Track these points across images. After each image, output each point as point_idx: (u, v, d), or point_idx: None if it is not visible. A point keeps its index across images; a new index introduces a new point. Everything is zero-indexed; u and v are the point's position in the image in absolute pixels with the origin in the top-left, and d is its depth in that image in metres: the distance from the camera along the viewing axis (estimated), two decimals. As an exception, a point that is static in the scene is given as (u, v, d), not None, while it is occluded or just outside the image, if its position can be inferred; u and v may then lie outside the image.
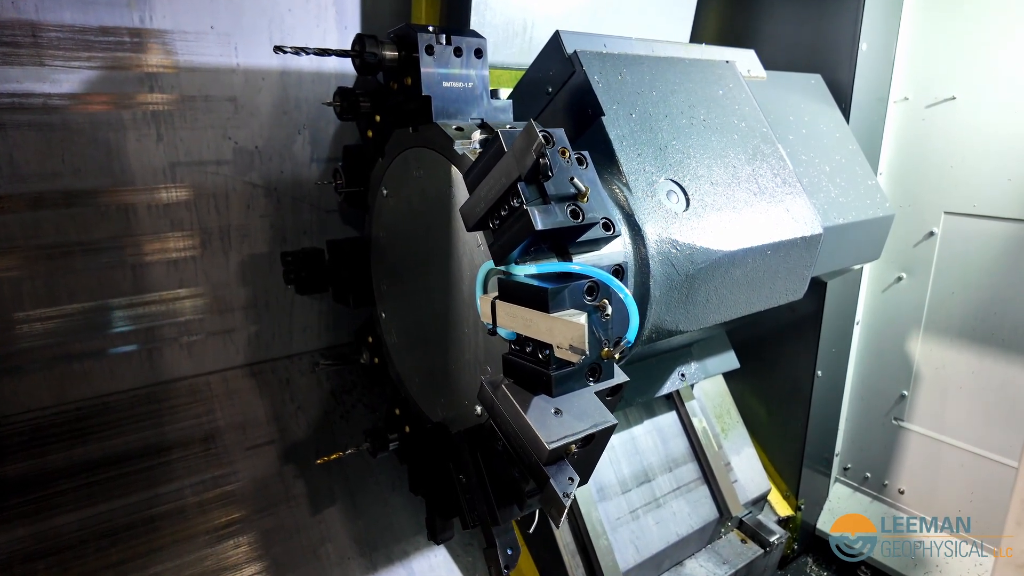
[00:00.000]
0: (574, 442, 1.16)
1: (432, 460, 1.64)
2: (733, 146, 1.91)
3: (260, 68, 2.05)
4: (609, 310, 1.11)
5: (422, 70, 1.38)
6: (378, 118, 1.69)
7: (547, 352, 1.12)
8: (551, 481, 1.12)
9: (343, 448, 1.95)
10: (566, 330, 1.04)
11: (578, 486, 1.29)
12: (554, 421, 1.17)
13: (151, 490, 1.97)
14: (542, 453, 1.13)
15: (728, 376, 3.04)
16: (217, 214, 2.13)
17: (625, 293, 1.15)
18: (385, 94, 1.66)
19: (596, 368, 1.17)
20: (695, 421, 2.69)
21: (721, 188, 1.80)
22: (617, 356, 1.16)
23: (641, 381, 2.27)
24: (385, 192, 1.75)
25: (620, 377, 1.31)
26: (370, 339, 2.00)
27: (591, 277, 1.13)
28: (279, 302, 2.37)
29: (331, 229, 2.38)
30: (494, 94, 1.52)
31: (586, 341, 1.01)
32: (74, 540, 1.81)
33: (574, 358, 1.04)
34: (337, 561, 2.03)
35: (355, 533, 2.11)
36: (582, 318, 1.04)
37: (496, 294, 1.22)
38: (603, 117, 1.66)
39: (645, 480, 2.49)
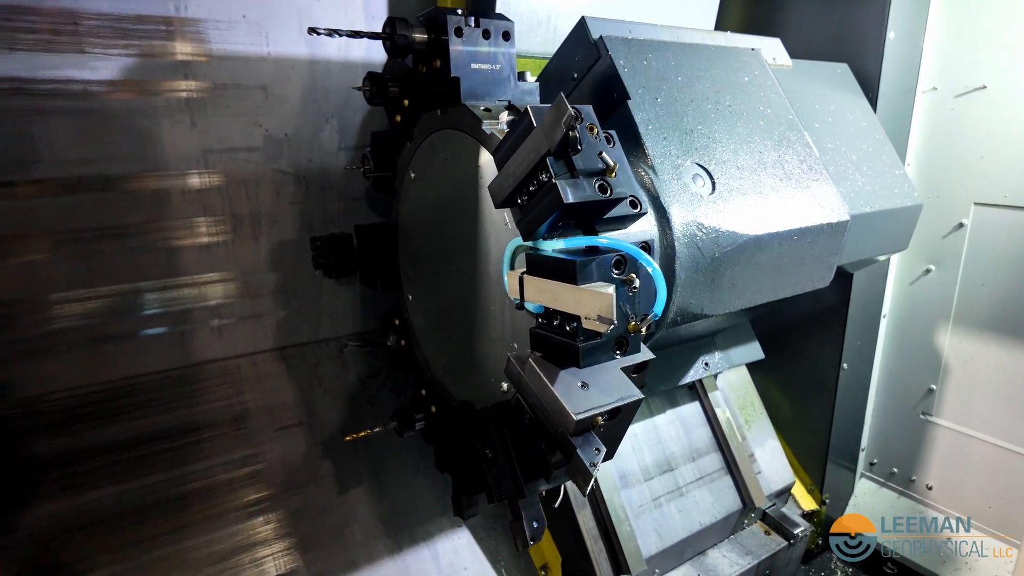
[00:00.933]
0: (600, 414, 1.17)
1: (458, 438, 1.66)
2: (759, 132, 1.91)
3: (290, 57, 2.10)
4: (636, 283, 1.12)
5: (451, 50, 1.40)
6: (406, 102, 1.72)
7: (575, 324, 1.13)
8: (578, 451, 1.14)
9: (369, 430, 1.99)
10: (594, 301, 1.05)
11: (604, 459, 1.30)
12: (581, 394, 1.18)
13: (182, 468, 2.02)
14: (569, 424, 1.14)
15: (752, 368, 3.02)
16: (248, 201, 2.17)
17: (653, 266, 1.16)
18: (414, 79, 1.68)
19: (623, 341, 1.18)
20: (718, 412, 2.68)
21: (747, 173, 1.79)
22: (644, 329, 1.18)
23: (664, 369, 2.27)
24: (412, 175, 1.78)
25: (646, 354, 1.31)
26: (397, 322, 2.03)
27: (619, 250, 1.14)
28: (307, 289, 2.41)
29: (358, 217, 2.41)
30: (521, 77, 1.54)
31: (614, 311, 1.02)
32: (108, 515, 1.87)
33: (601, 328, 1.05)
34: (362, 541, 2.06)
35: (380, 514, 2.15)
36: (610, 288, 1.05)
37: (524, 270, 1.24)
38: (629, 101, 1.67)
39: (668, 469, 2.49)
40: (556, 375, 1.20)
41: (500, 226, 1.42)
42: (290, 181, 2.22)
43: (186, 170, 2.02)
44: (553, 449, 1.25)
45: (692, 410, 2.69)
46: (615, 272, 1.13)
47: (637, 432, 2.49)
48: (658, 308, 1.17)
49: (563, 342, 1.16)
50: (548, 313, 1.20)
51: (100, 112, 1.82)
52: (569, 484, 2.24)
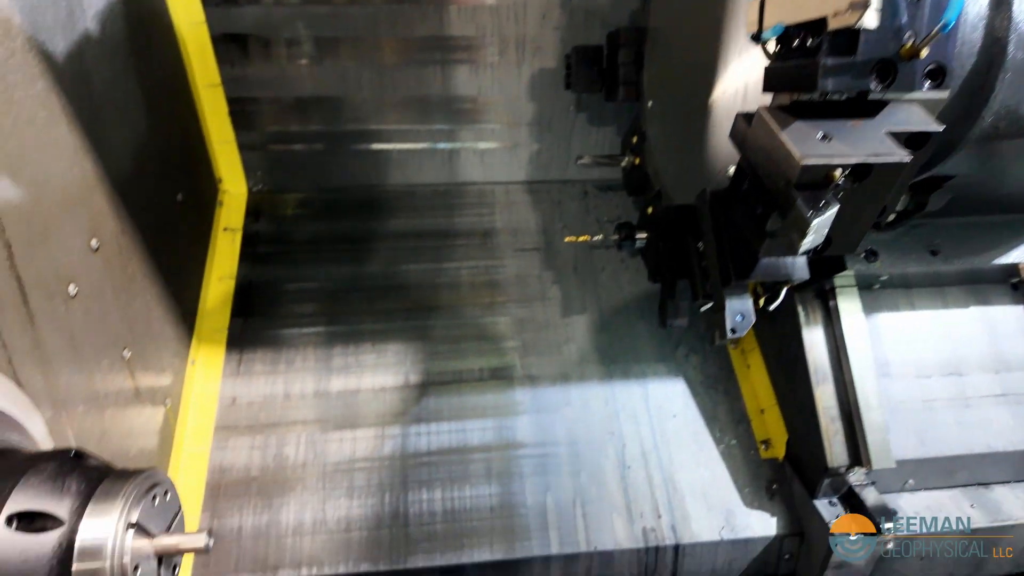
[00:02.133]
0: (840, 167, 0.96)
1: (673, 241, 1.55)
2: None
3: None
4: (920, -19, 0.85)
5: None
6: None
7: (819, 38, 0.92)
8: (797, 200, 0.95)
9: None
10: (847, -14, 0.83)
11: (845, 248, 1.09)
12: (818, 143, 0.97)
13: (437, 264, 2.30)
14: (793, 169, 0.95)
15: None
16: (515, 23, 2.24)
17: (950, -38, 0.86)
18: None
19: (888, 68, 0.92)
20: (1050, 324, 2.03)
21: None
22: (924, 53, 0.90)
23: (966, 241, 1.80)
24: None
25: (928, 123, 1.02)
26: (634, 139, 1.95)
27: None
28: (561, 125, 2.46)
29: (619, 50, 2.34)
30: None
31: (873, -11, 0.79)
32: (378, 285, 2.23)
33: (852, 19, 0.83)
34: (577, 360, 2.11)
35: (598, 343, 2.16)
36: (872, -31, 0.81)
37: (768, -4, 1.04)
38: None
39: (953, 372, 2.00)
40: (790, 123, 1.01)
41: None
42: (556, 4, 2.22)
43: (463, -14, 2.16)
44: (771, 211, 1.07)
45: (1009, 314, 2.08)
46: (890, -32, 0.87)
47: (917, 319, 2.03)
48: (950, 15, 0.86)
49: (800, 65, 0.95)
50: (787, 38, 1.00)
51: (397, -75, 2.03)
52: (810, 361, 1.96)
